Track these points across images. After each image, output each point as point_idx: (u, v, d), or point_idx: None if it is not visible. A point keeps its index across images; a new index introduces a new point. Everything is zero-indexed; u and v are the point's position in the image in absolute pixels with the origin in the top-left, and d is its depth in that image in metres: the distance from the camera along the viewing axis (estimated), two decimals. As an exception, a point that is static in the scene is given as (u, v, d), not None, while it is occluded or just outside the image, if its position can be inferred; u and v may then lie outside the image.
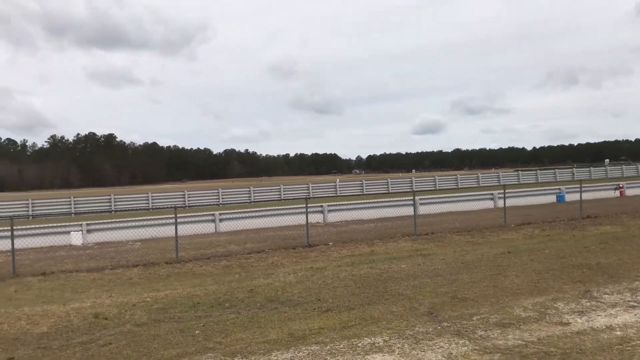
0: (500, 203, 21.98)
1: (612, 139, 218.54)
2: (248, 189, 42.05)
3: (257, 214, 20.14)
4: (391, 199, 22.80)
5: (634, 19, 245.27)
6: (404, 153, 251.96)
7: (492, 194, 24.67)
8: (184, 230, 16.30)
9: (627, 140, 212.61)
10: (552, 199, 25.49)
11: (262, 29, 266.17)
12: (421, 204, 21.53)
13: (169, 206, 32.71)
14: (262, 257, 12.35)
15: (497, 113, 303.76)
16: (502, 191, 19.68)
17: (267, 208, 21.17)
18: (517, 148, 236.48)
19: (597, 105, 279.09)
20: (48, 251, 15.49)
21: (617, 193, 27.63)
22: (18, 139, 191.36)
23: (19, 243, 13.01)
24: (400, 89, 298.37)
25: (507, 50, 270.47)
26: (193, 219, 19.09)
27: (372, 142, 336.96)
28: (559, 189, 26.59)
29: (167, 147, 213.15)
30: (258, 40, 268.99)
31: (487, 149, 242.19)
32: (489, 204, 23.97)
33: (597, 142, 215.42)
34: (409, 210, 18.65)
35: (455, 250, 12.02)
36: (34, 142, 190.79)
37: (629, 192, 27.65)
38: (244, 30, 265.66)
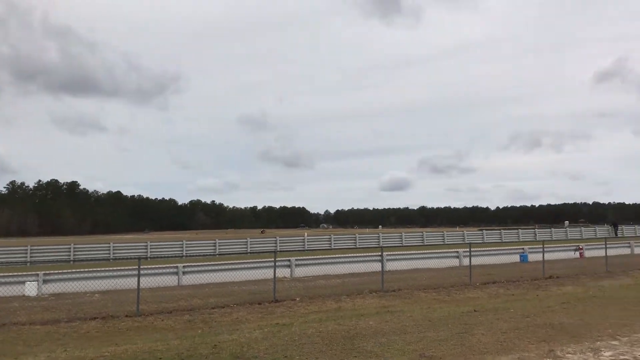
0: (466, 261, 22.20)
1: (571, 201, 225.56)
2: (213, 241, 41.34)
3: (222, 267, 19.77)
4: (359, 255, 22.77)
5: (593, 86, 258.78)
6: (371, 209, 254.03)
7: (457, 252, 24.92)
8: (146, 282, 15.83)
9: (585, 203, 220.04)
10: (516, 258, 25.89)
11: (235, 82, 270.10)
12: (388, 260, 21.54)
13: (131, 257, 31.83)
14: (227, 312, 12.05)
15: (463, 172, 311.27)
16: (468, 249, 19.92)
17: (233, 261, 20.84)
18: (480, 207, 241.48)
19: (558, 168, 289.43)
20: (0, 302, 14.75)
21: (577, 254, 28.29)
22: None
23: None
24: (370, 146, 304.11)
25: (474, 112, 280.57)
26: (155, 270, 18.56)
27: (341, 197, 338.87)
28: (523, 248, 27.07)
29: (131, 196, 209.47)
30: (230, 93, 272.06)
31: (452, 207, 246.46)
32: (455, 262, 24.16)
33: (557, 203, 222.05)
34: (377, 266, 18.62)
35: (423, 307, 11.99)
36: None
37: (588, 254, 28.34)
38: (217, 82, 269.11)
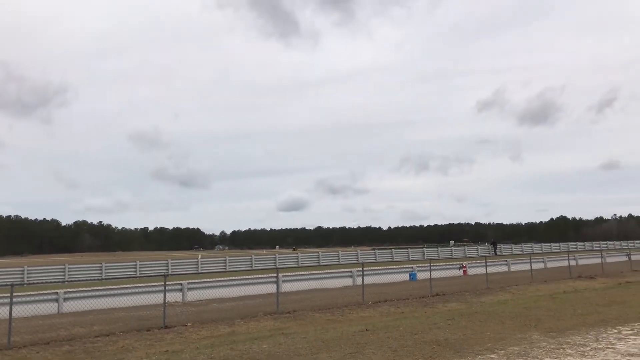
0: (359, 280, 22.77)
1: (456, 222, 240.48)
2: (99, 265, 38.89)
3: (108, 292, 18.63)
4: (254, 276, 22.54)
5: (475, 114, 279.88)
6: (268, 229, 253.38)
7: (351, 271, 25.51)
8: (20, 311, 14.51)
9: (468, 223, 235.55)
10: (406, 277, 27.02)
11: (127, 98, 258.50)
12: (284, 281, 21.53)
13: (4, 284, 29.02)
14: (112, 341, 11.33)
15: (357, 193, 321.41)
16: (361, 269, 20.46)
17: (120, 286, 19.72)
18: (374, 227, 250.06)
19: (444, 190, 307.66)
20: None
21: (461, 272, 30.13)
22: None
23: None
24: (267, 166, 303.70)
25: (367, 136, 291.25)
26: (32, 298, 17.03)
27: (238, 217, 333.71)
28: (412, 267, 28.35)
29: (7, 216, 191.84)
30: (122, 109, 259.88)
31: (347, 227, 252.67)
32: (349, 282, 24.69)
33: (443, 223, 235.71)
34: (272, 288, 18.52)
35: (317, 328, 12.08)
36: None
37: (471, 271, 30.28)
38: (108, 97, 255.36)
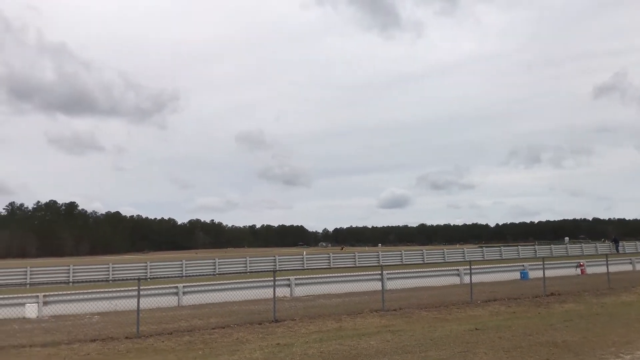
0: (466, 279, 22.15)
1: (571, 217, 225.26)
2: (213, 261, 41.20)
3: (221, 286, 19.70)
4: (359, 273, 22.71)
5: (592, 101, 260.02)
6: (370, 227, 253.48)
7: (457, 269, 24.86)
8: (146, 303, 15.77)
9: (584, 219, 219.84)
10: (516, 275, 25.81)
11: (233, 102, 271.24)
12: (388, 278, 21.49)
13: (131, 278, 31.72)
14: (227, 333, 12.00)
15: (463, 189, 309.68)
16: (468, 267, 19.88)
17: (233, 281, 20.76)
18: (480, 224, 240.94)
19: (558, 184, 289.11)
20: (0, 324, 14.66)
21: (579, 271, 28.22)
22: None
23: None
24: (368, 163, 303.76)
25: (472, 128, 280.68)
26: (155, 291, 18.50)
27: (340, 214, 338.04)
28: (523, 265, 27.01)
29: (130, 216, 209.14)
30: (228, 111, 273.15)
31: (452, 224, 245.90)
32: (455, 280, 24.09)
33: (556, 219, 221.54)
34: (377, 285, 18.58)
35: (424, 326, 11.95)
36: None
37: (590, 270, 28.26)
38: (215, 101, 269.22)
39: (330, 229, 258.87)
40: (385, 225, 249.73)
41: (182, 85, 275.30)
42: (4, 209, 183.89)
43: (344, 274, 22.50)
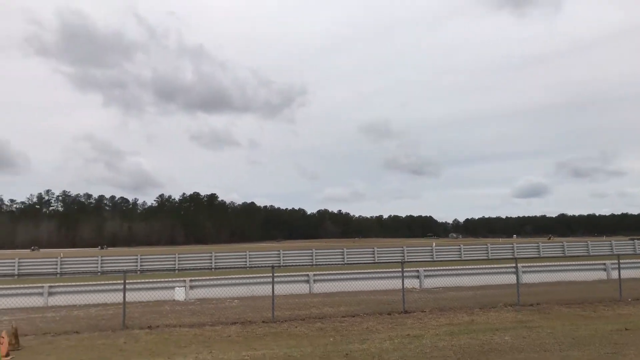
0: (614, 274, 20.25)
1: None
2: (341, 250, 42.06)
3: (350, 276, 20.05)
4: (491, 266, 21.79)
5: None
6: (504, 217, 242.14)
7: (604, 264, 22.81)
8: (279, 289, 16.54)
9: None
10: (676, 271, 23.04)
11: (357, 92, 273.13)
12: (524, 272, 20.37)
13: (265, 265, 33.52)
14: (357, 322, 12.21)
15: (610, 176, 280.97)
16: (616, 261, 18.17)
17: (361, 271, 21.01)
18: (632, 215, 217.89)
19: None
20: (154, 305, 16.32)
21: None
22: (130, 198, 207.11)
23: (129, 296, 13.81)
24: (500, 150, 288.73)
25: (621, 109, 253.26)
26: (288, 278, 19.35)
27: (471, 204, 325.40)
28: (684, 260, 24.03)
29: (263, 206, 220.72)
30: (353, 102, 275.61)
31: (597, 214, 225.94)
32: (601, 275, 22.14)
33: None
34: (511, 279, 17.70)
35: (565, 323, 11.17)
36: (144, 201, 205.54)
37: None
38: (340, 93, 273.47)
39: (461, 219, 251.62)
40: (520, 216, 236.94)
41: (309, 79, 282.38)
42: (154, 200, 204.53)
43: (475, 267, 21.73)
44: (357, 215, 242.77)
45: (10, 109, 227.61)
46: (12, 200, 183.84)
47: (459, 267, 22.29)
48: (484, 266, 21.82)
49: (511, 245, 46.42)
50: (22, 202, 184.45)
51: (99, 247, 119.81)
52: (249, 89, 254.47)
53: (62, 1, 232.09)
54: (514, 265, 17.93)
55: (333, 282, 19.41)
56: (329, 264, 37.17)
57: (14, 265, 34.74)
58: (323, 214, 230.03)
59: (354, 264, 34.08)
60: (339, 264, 37.28)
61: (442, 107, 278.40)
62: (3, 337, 9.01)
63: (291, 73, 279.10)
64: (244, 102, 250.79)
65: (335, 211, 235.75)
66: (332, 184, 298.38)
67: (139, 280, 19.00)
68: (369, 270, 21.00)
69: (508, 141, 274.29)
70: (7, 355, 8.98)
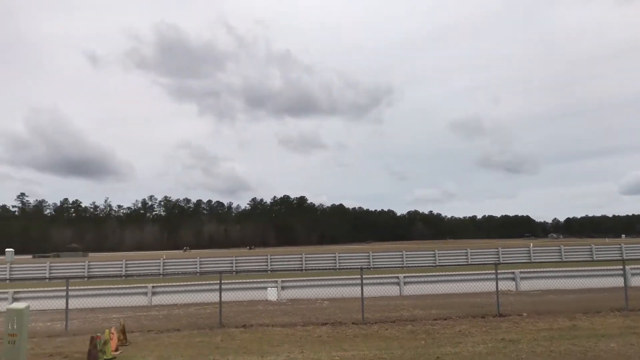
0: None
1: None
2: (432, 252, 41.22)
3: (442, 278, 19.59)
4: (596, 268, 20.41)
5: None
6: (610, 216, 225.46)
7: None
8: (369, 291, 16.52)
9: None
10: None
11: (446, 90, 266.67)
12: (633, 274, 18.89)
13: (354, 267, 33.62)
14: (449, 324, 11.92)
15: None
16: None
17: (453, 273, 20.48)
18: None
19: None
20: (248, 305, 16.92)
21: None
22: (225, 202, 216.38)
23: (224, 296, 14.40)
24: (603, 145, 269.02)
25: None
26: (377, 280, 19.28)
27: (572, 203, 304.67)
28: None
29: (352, 208, 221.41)
30: (442, 100, 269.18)
31: None
32: None
33: None
34: (618, 281, 16.48)
35: (681, 331, 10.22)
36: (238, 205, 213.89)
37: None
38: (428, 91, 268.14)
39: (561, 218, 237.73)
40: (629, 214, 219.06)
41: (396, 78, 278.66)
42: (247, 204, 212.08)
43: (577, 268, 20.45)
44: (449, 216, 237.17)
45: (114, 121, 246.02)
46: (119, 206, 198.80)
47: (559, 268, 21.09)
48: (587, 268, 20.51)
49: (619, 246, 43.17)
50: (128, 208, 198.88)
51: (183, 248, 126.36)
52: (335, 91, 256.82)
53: (158, 17, 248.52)
54: (621, 267, 16.68)
55: (424, 284, 19.07)
56: (419, 266, 36.57)
57: (122, 267, 37.43)
58: (413, 215, 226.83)
59: (445, 265, 33.29)
60: (430, 266, 36.57)
61: (537, 101, 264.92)
62: (113, 334, 9.74)
63: (377, 73, 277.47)
64: (330, 104, 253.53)
65: (426, 212, 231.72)
66: (422, 185, 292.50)
67: (233, 281, 19.77)
68: (461, 272, 20.42)
69: (612, 134, 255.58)
70: (116, 349, 9.70)
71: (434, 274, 20.98)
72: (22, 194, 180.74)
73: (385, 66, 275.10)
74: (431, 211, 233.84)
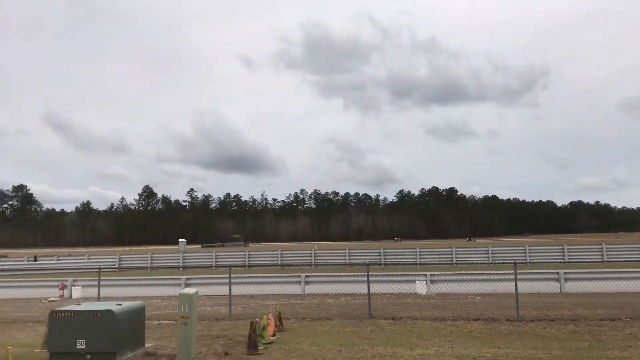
0: None
1: None
2: (599, 247, 37.55)
3: (610, 275, 17.84)
4: None
5: None
6: None
7: None
8: (524, 287, 15.60)
9: None
10: None
11: (613, 67, 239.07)
12: None
13: (507, 261, 31.93)
14: (618, 326, 10.85)
15: None
16: None
17: (624, 270, 18.50)
18: None
19: None
20: (396, 297, 16.99)
21: None
22: (372, 194, 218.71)
23: (372, 288, 14.60)
24: None
25: None
26: (533, 276, 18.14)
27: None
28: None
29: (506, 199, 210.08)
30: (609, 79, 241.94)
31: None
32: None
33: None
34: None
35: None
36: (385, 197, 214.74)
37: None
38: (592, 69, 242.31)
39: None
40: None
41: (552, 58, 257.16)
42: (395, 196, 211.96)
43: None
44: (619, 207, 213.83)
45: (268, 119, 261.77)
46: (274, 200, 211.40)
47: None
48: None
49: None
50: (282, 201, 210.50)
51: (395, 239, 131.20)
52: (484, 77, 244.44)
53: (304, 16, 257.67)
54: None
55: (589, 281, 17.49)
56: (583, 262, 33.56)
57: (277, 257, 39.79)
58: (577, 206, 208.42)
59: (613, 261, 30.17)
60: (596, 262, 33.38)
61: None
62: (270, 319, 10.46)
63: (530, 55, 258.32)
64: (479, 90, 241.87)
65: (592, 202, 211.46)
66: (586, 172, 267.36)
67: (381, 273, 19.98)
68: (634, 269, 18.37)
69: None
70: (273, 334, 10.40)
71: (601, 270, 19.21)
72: (192, 190, 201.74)
73: (539, 47, 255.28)
74: (598, 201, 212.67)
